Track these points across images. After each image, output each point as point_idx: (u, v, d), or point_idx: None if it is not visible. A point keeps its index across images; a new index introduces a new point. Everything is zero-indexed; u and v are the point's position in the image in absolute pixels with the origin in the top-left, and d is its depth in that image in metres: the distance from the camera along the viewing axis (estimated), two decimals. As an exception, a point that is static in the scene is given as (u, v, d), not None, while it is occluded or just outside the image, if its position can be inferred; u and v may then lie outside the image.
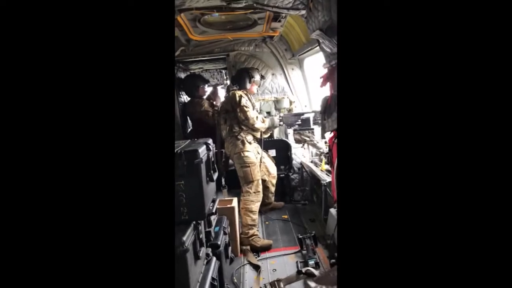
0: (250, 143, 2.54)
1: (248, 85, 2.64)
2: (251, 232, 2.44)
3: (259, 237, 2.46)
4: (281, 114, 3.02)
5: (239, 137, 2.51)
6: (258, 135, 2.62)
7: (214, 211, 1.67)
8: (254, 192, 2.50)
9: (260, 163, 2.63)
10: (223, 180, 2.89)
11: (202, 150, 1.44)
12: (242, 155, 2.48)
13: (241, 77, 2.65)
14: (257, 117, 2.50)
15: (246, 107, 2.45)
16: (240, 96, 2.48)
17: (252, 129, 2.54)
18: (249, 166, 2.48)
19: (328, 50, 1.85)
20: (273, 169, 2.91)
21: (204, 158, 1.46)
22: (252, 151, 2.53)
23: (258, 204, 2.53)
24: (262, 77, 2.85)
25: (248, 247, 2.39)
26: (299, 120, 2.78)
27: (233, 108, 2.50)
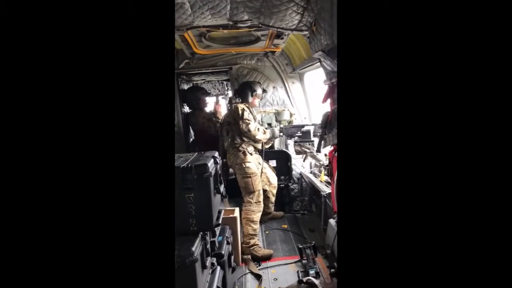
0: (251, 154, 2.61)
1: (250, 99, 2.72)
2: (252, 242, 2.50)
3: (260, 247, 2.52)
4: (281, 126, 3.10)
5: (240, 148, 2.59)
6: (259, 146, 2.71)
7: (219, 222, 1.74)
8: (255, 202, 2.56)
9: (261, 174, 2.70)
10: (223, 189, 2.95)
11: (210, 164, 1.52)
12: (244, 166, 2.55)
13: (243, 90, 2.74)
14: (258, 129, 2.58)
15: (248, 119, 2.54)
16: (243, 109, 2.56)
17: (254, 140, 2.62)
18: (250, 177, 2.55)
19: (329, 68, 1.95)
20: (273, 179, 2.98)
21: (213, 172, 1.54)
22: (253, 162, 2.61)
23: (259, 214, 2.59)
24: (264, 90, 2.94)
25: (249, 257, 2.45)
26: (299, 132, 2.86)
27: (235, 121, 2.59)
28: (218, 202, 1.74)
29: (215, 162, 1.64)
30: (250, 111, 2.65)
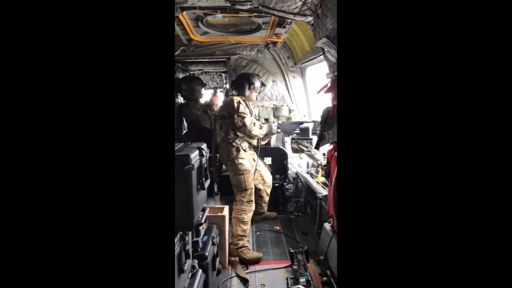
0: (245, 150, 2.45)
1: (248, 92, 2.55)
2: (241, 243, 2.34)
3: (248, 249, 2.36)
4: (279, 122, 2.94)
5: (233, 143, 2.42)
6: (254, 142, 2.54)
7: (203, 221, 1.57)
8: (247, 202, 2.41)
9: (255, 171, 2.54)
10: (215, 186, 2.79)
11: (194, 156, 1.35)
12: (236, 162, 2.39)
13: (241, 82, 2.57)
14: (254, 123, 2.42)
15: (243, 113, 2.37)
16: (238, 102, 2.39)
17: (249, 135, 2.45)
18: (242, 174, 2.39)
19: (332, 59, 1.79)
20: (268, 178, 2.82)
21: (196, 164, 1.37)
22: (247, 158, 2.45)
23: (251, 214, 2.43)
24: (263, 84, 2.77)
25: (237, 259, 2.29)
26: (298, 129, 2.70)
27: (229, 114, 2.42)
28: (202, 199, 1.57)
29: (201, 155, 1.47)
30: (247, 105, 2.49)
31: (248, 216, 2.40)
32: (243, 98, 2.51)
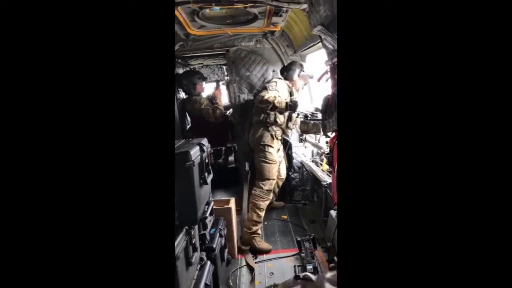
0: (277, 138, 2.50)
1: (296, 77, 2.63)
2: (254, 228, 2.39)
3: (260, 238, 2.42)
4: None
5: (270, 129, 2.46)
6: (288, 132, 2.63)
7: (207, 214, 1.60)
8: (266, 190, 2.44)
9: (280, 164, 2.59)
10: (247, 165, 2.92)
11: (194, 152, 1.37)
12: (266, 150, 2.43)
13: (292, 67, 2.64)
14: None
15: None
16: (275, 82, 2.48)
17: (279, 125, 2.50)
18: (269, 163, 2.43)
19: (330, 46, 1.77)
20: (283, 171, 2.86)
21: (197, 161, 1.39)
22: (276, 148, 2.49)
23: (267, 202, 2.48)
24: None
25: (248, 247, 2.34)
26: (302, 117, 2.69)
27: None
28: (206, 194, 1.60)
29: (201, 150, 1.49)
30: (288, 86, 2.57)
31: (264, 204, 2.44)
32: (288, 83, 2.58)
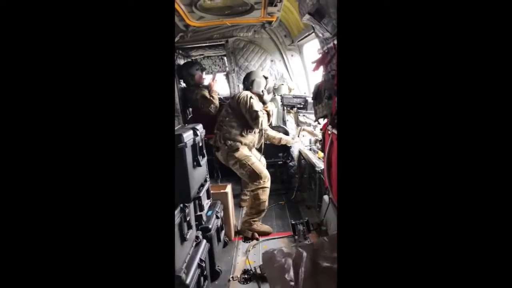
0: (245, 144, 2.47)
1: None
2: (256, 217, 2.46)
3: (260, 223, 2.51)
4: (282, 94, 2.96)
5: (233, 145, 2.41)
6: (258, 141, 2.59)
7: (203, 195, 1.71)
8: (261, 188, 2.42)
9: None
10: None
11: (187, 135, 1.46)
12: (236, 156, 2.40)
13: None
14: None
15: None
16: (251, 98, 2.39)
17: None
18: (250, 164, 2.40)
19: (320, 35, 1.82)
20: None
21: (190, 143, 1.48)
22: (247, 149, 2.46)
23: (268, 190, 2.46)
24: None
25: (250, 227, 2.45)
26: (302, 103, 2.74)
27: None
28: (200, 175, 1.70)
29: (195, 134, 1.58)
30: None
31: (266, 194, 2.43)
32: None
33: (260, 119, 2.33)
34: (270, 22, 2.95)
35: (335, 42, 1.64)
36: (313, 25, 1.77)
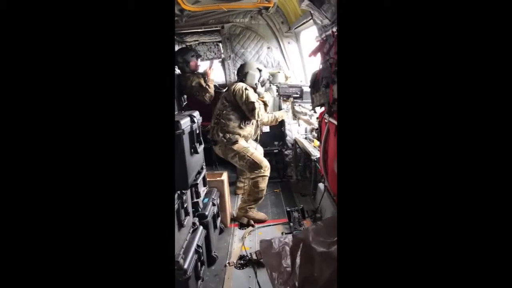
0: (243, 136, 2.47)
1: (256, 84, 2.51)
2: (253, 205, 2.48)
3: (256, 210, 2.53)
4: (277, 84, 2.94)
5: (232, 138, 2.41)
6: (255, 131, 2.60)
7: (198, 182, 1.71)
8: (261, 176, 2.42)
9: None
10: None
11: (184, 122, 1.45)
12: (234, 148, 2.40)
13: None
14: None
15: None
16: (246, 89, 2.37)
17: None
18: (250, 155, 2.39)
19: (318, 21, 1.80)
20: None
21: (187, 130, 1.47)
22: (244, 140, 2.47)
23: (267, 179, 2.47)
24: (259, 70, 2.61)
25: (246, 213, 2.47)
26: (298, 93, 2.73)
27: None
28: (197, 162, 1.70)
29: (192, 121, 1.57)
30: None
31: (265, 182, 2.44)
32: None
33: (257, 110, 2.33)
34: (267, 8, 2.89)
35: (334, 29, 1.63)
36: (312, 11, 1.74)
